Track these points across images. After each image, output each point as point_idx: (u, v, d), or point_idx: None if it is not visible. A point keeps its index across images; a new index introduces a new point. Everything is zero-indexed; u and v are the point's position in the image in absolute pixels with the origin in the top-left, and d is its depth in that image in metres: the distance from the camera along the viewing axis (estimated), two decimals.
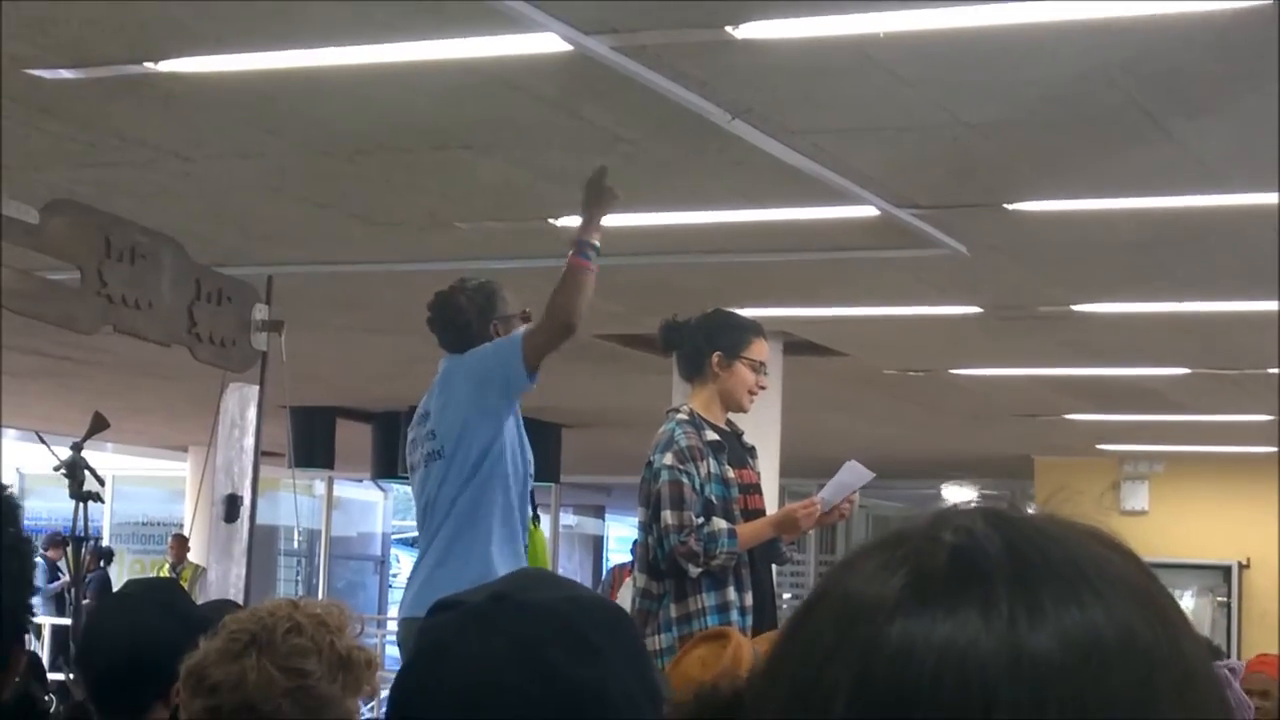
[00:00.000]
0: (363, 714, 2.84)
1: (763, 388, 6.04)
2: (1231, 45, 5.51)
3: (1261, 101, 5.91)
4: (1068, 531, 0.87)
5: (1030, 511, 0.89)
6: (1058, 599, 0.82)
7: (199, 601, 3.90)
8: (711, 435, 5.84)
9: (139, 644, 3.37)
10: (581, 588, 1.93)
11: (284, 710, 2.62)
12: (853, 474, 5.99)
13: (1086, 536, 0.87)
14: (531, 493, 5.89)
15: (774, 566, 6.12)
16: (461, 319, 5.86)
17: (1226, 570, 17.84)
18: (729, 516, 5.75)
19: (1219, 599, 17.99)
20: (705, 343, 5.95)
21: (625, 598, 8.00)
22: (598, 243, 5.63)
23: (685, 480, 5.73)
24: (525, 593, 1.74)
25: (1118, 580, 0.85)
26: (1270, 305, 9.27)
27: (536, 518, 5.94)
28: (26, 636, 3.11)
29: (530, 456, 5.85)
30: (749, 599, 5.80)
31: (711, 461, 5.80)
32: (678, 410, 5.96)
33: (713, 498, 5.76)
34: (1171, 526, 17.89)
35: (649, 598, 5.82)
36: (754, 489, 6.00)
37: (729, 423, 6.04)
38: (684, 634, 5.63)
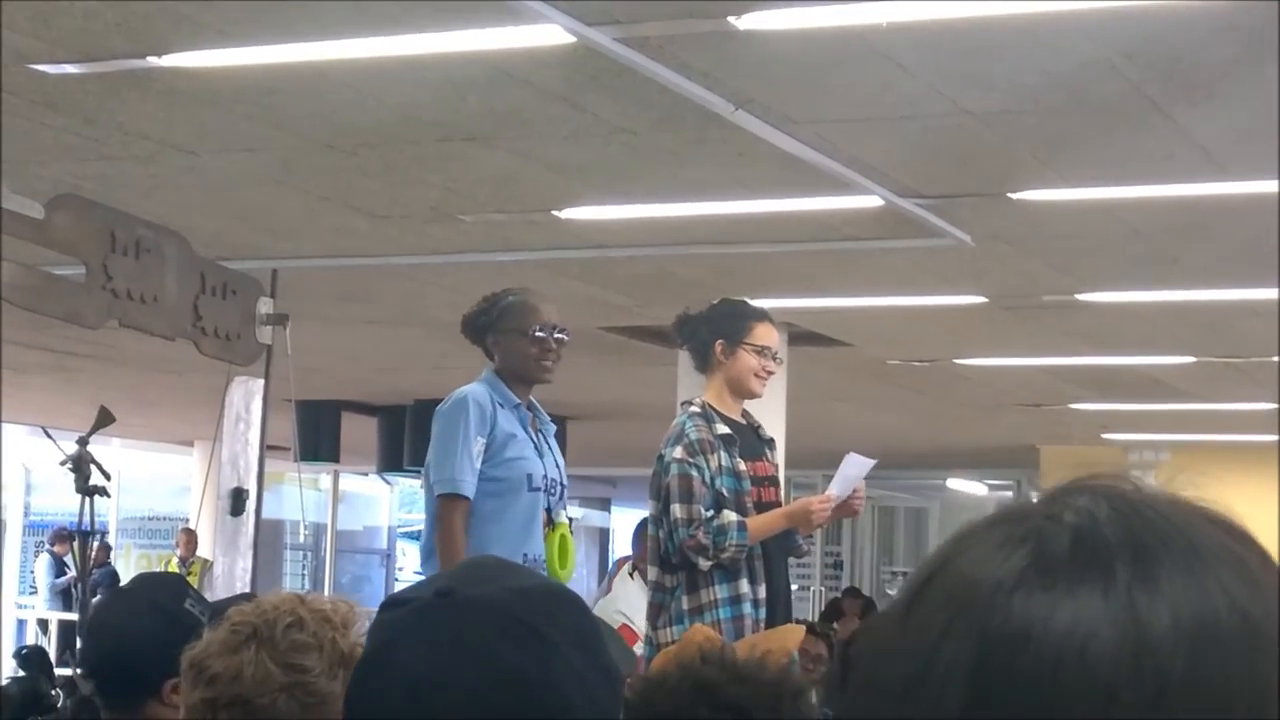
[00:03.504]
0: None
1: (770, 371, 6.03)
2: (1234, 31, 5.51)
3: (1265, 88, 5.91)
4: (1189, 516, 0.86)
5: (1152, 493, 0.88)
6: (1178, 585, 0.81)
7: (206, 594, 3.90)
8: (723, 428, 5.84)
9: (128, 642, 3.40)
10: (533, 576, 1.94)
11: (279, 705, 2.60)
12: (854, 465, 5.99)
13: (1206, 521, 0.86)
14: (548, 496, 5.89)
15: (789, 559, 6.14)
16: (468, 329, 5.95)
17: None
18: (741, 509, 5.75)
19: None
20: (708, 333, 5.96)
21: (619, 599, 7.94)
22: None
23: (695, 474, 5.73)
24: (470, 586, 1.74)
25: (1235, 566, 0.84)
26: (1275, 292, 9.26)
27: (552, 521, 5.93)
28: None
29: (522, 470, 5.82)
30: (762, 591, 5.80)
31: (723, 454, 5.80)
32: (691, 403, 5.97)
33: (724, 490, 5.76)
34: None
35: (661, 590, 5.83)
36: (769, 481, 5.99)
37: (745, 414, 6.04)
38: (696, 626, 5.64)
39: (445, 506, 5.69)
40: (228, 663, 2.62)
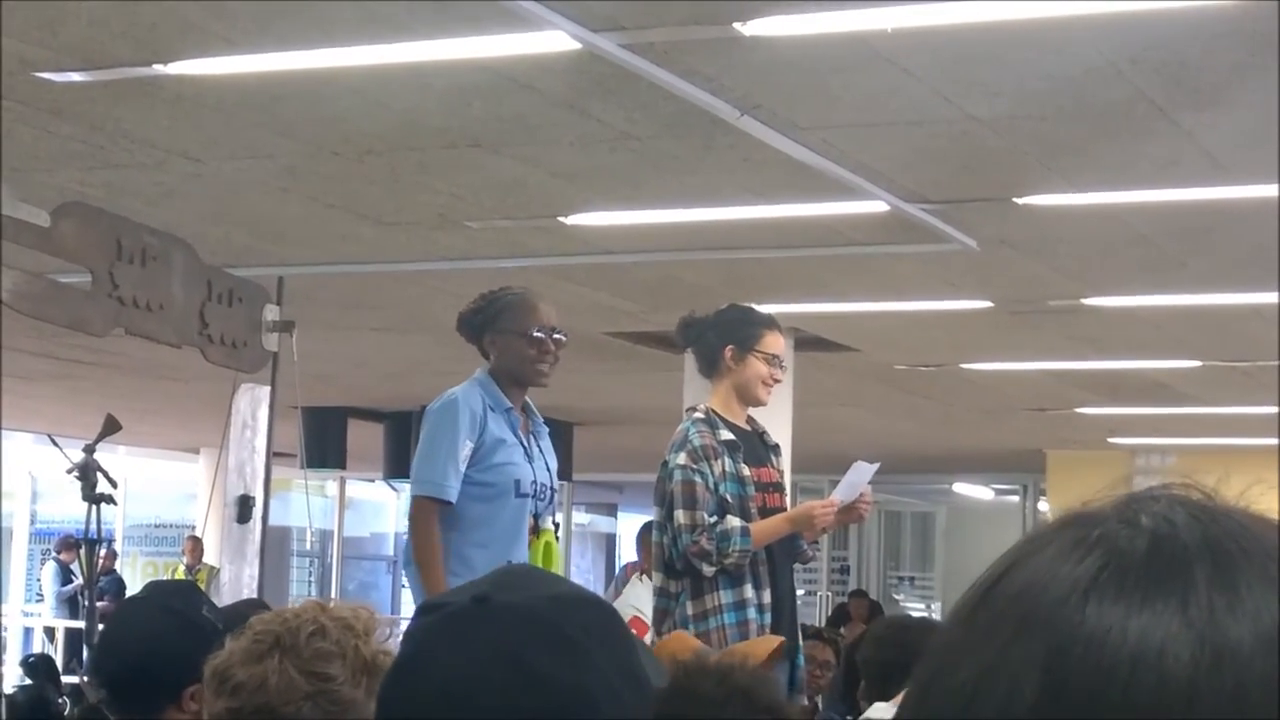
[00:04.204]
0: None
1: (777, 380, 6.02)
2: (1239, 36, 5.50)
3: (1270, 93, 5.90)
4: (1264, 524, 0.84)
5: (1226, 501, 0.86)
6: (1259, 596, 0.80)
7: (214, 601, 3.90)
8: (727, 434, 5.84)
9: (147, 650, 3.39)
10: (565, 584, 1.94)
11: (305, 713, 2.60)
12: (859, 472, 5.99)
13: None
14: (536, 501, 5.81)
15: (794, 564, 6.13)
16: (464, 327, 5.87)
17: None
18: (745, 515, 5.75)
19: None
20: (718, 338, 5.94)
21: (630, 597, 7.96)
22: None
23: (698, 480, 5.72)
24: (506, 593, 1.74)
25: None
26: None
27: (537, 528, 5.87)
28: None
29: (510, 475, 5.74)
30: (767, 596, 5.80)
31: (727, 460, 5.79)
32: (695, 409, 5.96)
33: (728, 496, 5.76)
34: None
35: (666, 596, 5.82)
36: (774, 487, 5.98)
37: (750, 420, 6.04)
38: (700, 631, 5.64)
39: (422, 507, 5.58)
40: (252, 671, 2.62)
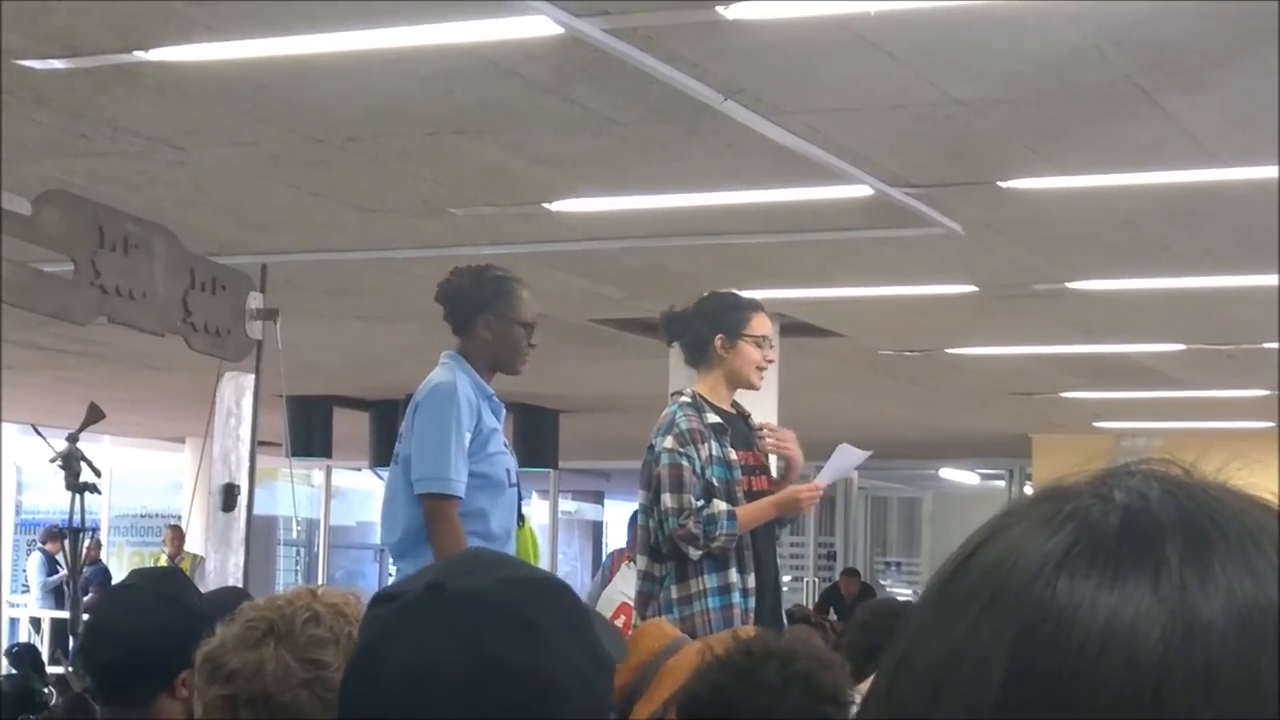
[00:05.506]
0: None
1: (770, 361, 6.03)
2: (1221, 18, 5.50)
3: (1255, 75, 5.90)
4: (1242, 501, 0.83)
5: (1204, 477, 0.85)
6: (1233, 574, 0.78)
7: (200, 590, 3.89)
8: (713, 418, 5.84)
9: (141, 636, 3.36)
10: (522, 567, 1.93)
11: (300, 700, 2.59)
12: (847, 456, 5.99)
13: (1259, 507, 0.83)
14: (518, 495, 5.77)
15: (777, 549, 6.12)
16: (456, 300, 5.74)
17: None
18: (731, 498, 5.75)
19: None
20: (706, 328, 5.93)
21: (620, 584, 7.98)
22: None
23: (685, 463, 5.73)
24: (461, 579, 1.73)
25: None
26: (1267, 279, 9.26)
27: (522, 517, 5.84)
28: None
29: (503, 465, 5.70)
30: (751, 581, 5.80)
31: (713, 444, 5.79)
32: (681, 393, 5.96)
33: (714, 480, 5.76)
34: None
35: (650, 580, 5.83)
36: (759, 470, 5.99)
37: (735, 404, 6.03)
38: (684, 615, 5.64)
39: (441, 508, 5.42)
40: (246, 659, 2.60)
